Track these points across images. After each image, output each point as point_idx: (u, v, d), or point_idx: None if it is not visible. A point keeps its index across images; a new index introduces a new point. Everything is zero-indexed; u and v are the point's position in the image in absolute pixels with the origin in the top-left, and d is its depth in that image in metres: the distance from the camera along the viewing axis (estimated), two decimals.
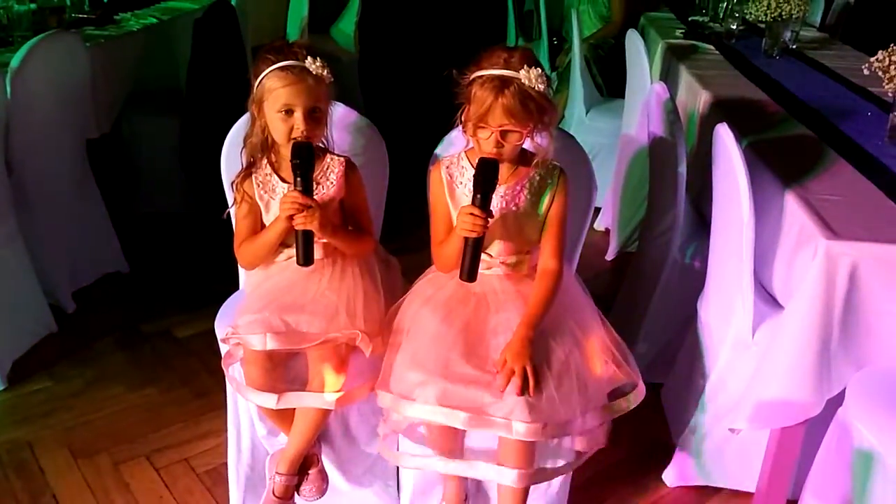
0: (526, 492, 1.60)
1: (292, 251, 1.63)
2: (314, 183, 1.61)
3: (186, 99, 3.21)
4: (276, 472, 1.69)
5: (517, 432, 1.44)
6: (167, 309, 2.77)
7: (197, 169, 3.13)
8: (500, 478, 1.54)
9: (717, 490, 2.04)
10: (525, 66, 1.49)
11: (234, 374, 1.67)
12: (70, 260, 2.72)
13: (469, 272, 1.53)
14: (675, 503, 2.02)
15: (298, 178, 1.55)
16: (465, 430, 1.61)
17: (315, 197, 1.59)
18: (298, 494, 1.73)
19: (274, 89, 1.57)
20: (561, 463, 1.62)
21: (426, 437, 1.66)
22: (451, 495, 1.74)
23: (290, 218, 1.56)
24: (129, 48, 3.06)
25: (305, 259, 1.58)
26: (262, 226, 1.69)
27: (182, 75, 3.29)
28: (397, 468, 1.86)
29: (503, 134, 1.52)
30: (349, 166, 1.69)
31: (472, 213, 1.49)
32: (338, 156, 1.69)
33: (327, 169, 1.67)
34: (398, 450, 1.71)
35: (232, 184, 1.70)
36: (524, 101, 1.49)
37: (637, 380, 1.62)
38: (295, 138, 1.58)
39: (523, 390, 1.45)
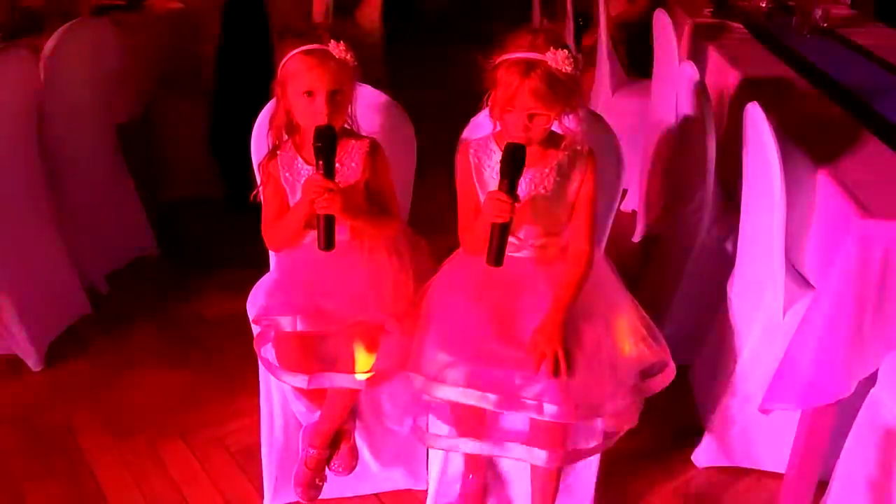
0: (558, 472, 1.61)
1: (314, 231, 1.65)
2: (338, 165, 1.61)
3: (215, 83, 3.23)
4: (309, 445, 1.72)
5: (549, 413, 1.45)
6: (199, 291, 2.80)
7: (226, 152, 3.16)
8: (532, 458, 1.55)
9: (747, 471, 2.03)
10: (551, 48, 1.47)
11: (266, 355, 1.69)
12: (103, 243, 2.76)
13: (496, 257, 1.52)
14: (705, 484, 2.02)
15: (320, 162, 1.54)
16: (494, 413, 1.62)
17: (337, 180, 1.58)
18: (329, 469, 1.76)
19: (296, 72, 1.57)
20: (593, 444, 1.63)
21: (454, 420, 1.67)
22: (471, 488, 1.75)
23: (313, 201, 1.55)
24: (157, 33, 3.08)
25: (327, 243, 1.56)
26: (289, 207, 1.70)
27: (210, 59, 3.30)
28: (427, 450, 1.88)
29: (530, 117, 1.51)
30: (373, 147, 1.68)
31: (498, 199, 1.48)
32: (362, 137, 1.70)
33: (352, 151, 1.67)
34: (428, 431, 1.72)
35: (258, 166, 1.72)
36: (551, 84, 1.47)
37: (667, 360, 1.62)
38: (317, 122, 1.58)
39: (555, 373, 1.45)
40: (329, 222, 1.55)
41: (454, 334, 1.56)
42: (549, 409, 1.44)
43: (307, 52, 1.57)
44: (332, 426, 1.71)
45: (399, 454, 1.89)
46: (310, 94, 1.57)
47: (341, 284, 1.63)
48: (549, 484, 1.62)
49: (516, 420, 1.61)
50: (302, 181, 1.65)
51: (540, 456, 1.53)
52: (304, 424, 1.80)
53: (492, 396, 1.47)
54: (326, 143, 1.54)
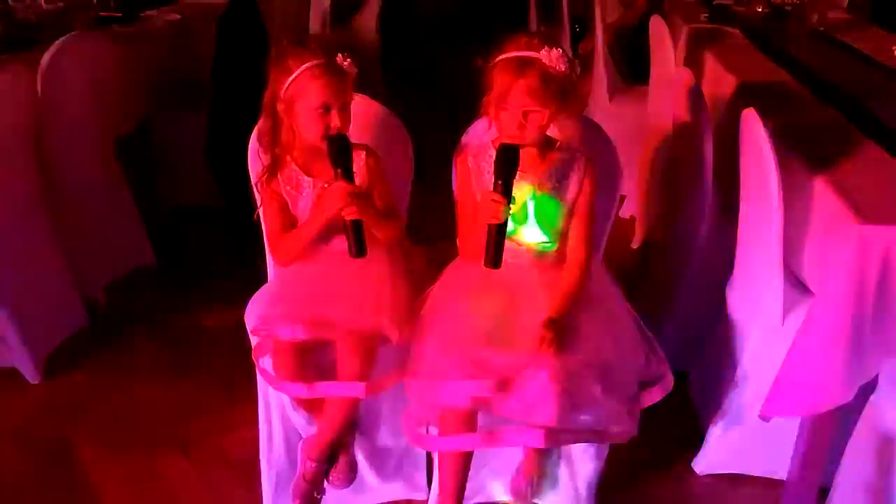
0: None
1: (322, 243, 1.66)
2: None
3: (212, 94, 3.23)
4: (307, 458, 1.71)
5: (542, 379, 1.45)
6: (197, 301, 2.80)
7: (224, 163, 3.16)
8: (528, 440, 1.54)
9: (748, 478, 2.02)
10: (546, 47, 1.50)
11: (265, 365, 1.69)
12: (101, 254, 2.76)
13: (494, 259, 1.53)
14: (705, 491, 2.02)
15: (339, 170, 1.57)
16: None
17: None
18: (327, 482, 1.75)
19: (311, 88, 1.58)
20: (590, 426, 1.60)
21: (452, 423, 1.63)
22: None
23: (341, 209, 1.56)
24: (154, 45, 3.10)
25: (359, 249, 1.58)
26: (295, 221, 1.70)
27: (207, 71, 3.31)
28: (426, 459, 1.87)
29: (525, 115, 1.53)
30: (369, 153, 1.70)
31: (493, 200, 1.50)
32: (357, 146, 1.70)
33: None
34: (431, 435, 1.70)
35: (256, 184, 1.71)
36: (545, 81, 1.50)
37: (665, 371, 1.62)
38: (330, 134, 1.59)
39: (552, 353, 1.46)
40: (358, 228, 1.58)
41: (453, 341, 1.56)
42: (545, 379, 1.44)
43: (321, 68, 1.58)
44: (330, 438, 1.70)
45: (397, 466, 1.88)
46: (327, 108, 1.58)
47: (339, 292, 1.64)
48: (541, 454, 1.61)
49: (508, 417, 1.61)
50: (304, 194, 1.66)
51: (536, 436, 1.50)
52: (304, 436, 1.79)
53: (489, 382, 1.48)
54: (344, 151, 1.58)
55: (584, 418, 1.60)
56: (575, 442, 1.66)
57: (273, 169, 1.68)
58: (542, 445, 1.53)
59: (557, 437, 1.54)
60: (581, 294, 1.61)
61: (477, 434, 1.58)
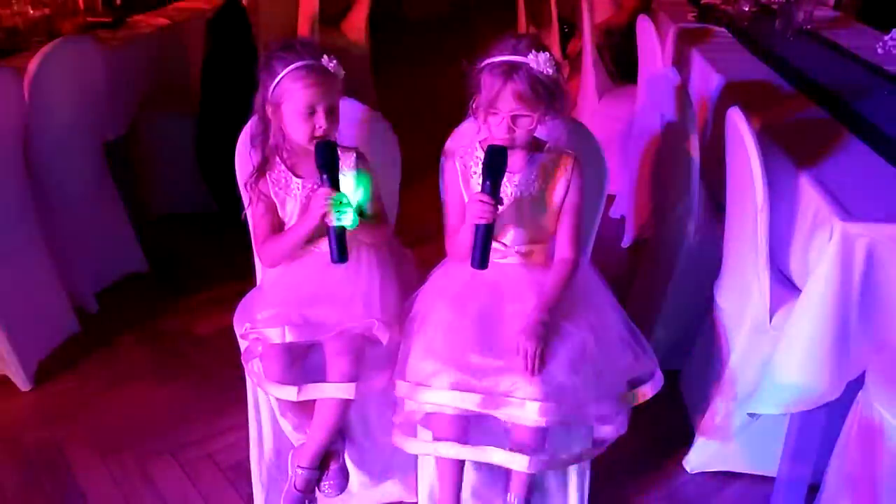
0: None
1: (311, 246, 1.67)
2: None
3: (201, 99, 3.23)
4: (298, 466, 1.70)
5: (531, 412, 1.45)
6: (187, 307, 2.80)
7: (213, 168, 3.16)
8: (513, 463, 1.54)
9: (738, 475, 2.03)
10: (533, 51, 1.50)
11: (255, 368, 1.68)
12: (91, 261, 2.75)
13: (481, 260, 1.54)
14: (696, 489, 2.02)
15: (325, 176, 1.57)
16: (476, 418, 1.61)
17: None
18: (318, 490, 1.74)
19: (295, 90, 1.58)
20: (577, 450, 1.62)
21: (435, 425, 1.63)
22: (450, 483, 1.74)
23: (324, 215, 1.56)
24: (142, 50, 3.09)
25: (340, 255, 1.58)
26: (282, 223, 1.70)
27: (195, 75, 3.31)
28: (416, 461, 1.87)
29: (514, 119, 1.53)
30: (359, 157, 1.70)
31: (481, 201, 1.50)
32: (347, 149, 1.70)
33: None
34: (411, 437, 1.69)
35: (245, 185, 1.71)
36: (533, 86, 1.50)
37: (654, 369, 1.62)
38: (317, 137, 1.59)
39: (537, 369, 1.46)
40: (341, 234, 1.58)
41: (441, 343, 1.56)
42: (532, 406, 1.44)
43: (305, 70, 1.58)
44: (320, 443, 1.68)
45: (389, 469, 1.88)
46: (311, 111, 1.58)
47: (328, 294, 1.64)
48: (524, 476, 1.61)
49: (497, 425, 1.61)
50: (292, 195, 1.66)
51: (521, 461, 1.51)
52: (293, 443, 1.79)
53: (476, 396, 1.47)
54: (330, 157, 1.57)
55: (576, 442, 1.61)
56: (566, 465, 1.66)
57: (262, 170, 1.68)
58: (531, 471, 1.54)
59: (546, 463, 1.55)
60: (568, 294, 1.61)
61: (465, 447, 1.58)
